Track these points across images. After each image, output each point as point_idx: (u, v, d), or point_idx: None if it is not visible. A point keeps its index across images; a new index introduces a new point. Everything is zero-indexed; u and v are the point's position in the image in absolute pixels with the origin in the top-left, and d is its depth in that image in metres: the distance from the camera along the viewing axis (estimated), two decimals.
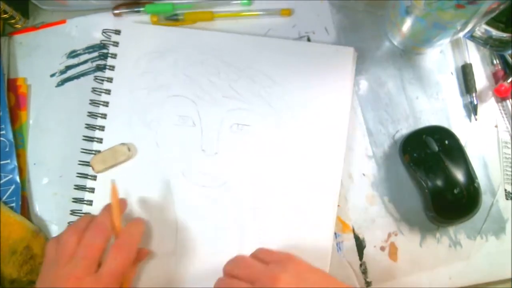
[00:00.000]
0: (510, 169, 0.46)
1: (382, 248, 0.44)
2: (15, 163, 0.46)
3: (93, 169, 0.44)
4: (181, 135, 0.45)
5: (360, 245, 0.44)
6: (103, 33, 0.47)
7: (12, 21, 0.49)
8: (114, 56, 0.47)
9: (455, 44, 0.49)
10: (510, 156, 0.46)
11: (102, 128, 0.45)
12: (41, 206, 0.46)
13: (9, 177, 0.45)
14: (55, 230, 0.45)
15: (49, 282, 0.34)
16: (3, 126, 0.46)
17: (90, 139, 0.45)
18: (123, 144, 0.44)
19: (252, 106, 0.45)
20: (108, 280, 0.34)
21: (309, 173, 0.44)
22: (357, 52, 0.47)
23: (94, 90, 0.46)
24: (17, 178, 0.45)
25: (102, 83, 0.46)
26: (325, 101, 0.45)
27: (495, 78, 0.48)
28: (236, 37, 0.47)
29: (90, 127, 0.45)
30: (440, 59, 0.49)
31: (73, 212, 0.44)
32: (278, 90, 0.45)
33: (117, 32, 0.47)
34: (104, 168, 0.44)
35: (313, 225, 0.43)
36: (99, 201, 0.44)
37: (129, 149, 0.44)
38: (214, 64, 0.46)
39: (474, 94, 0.47)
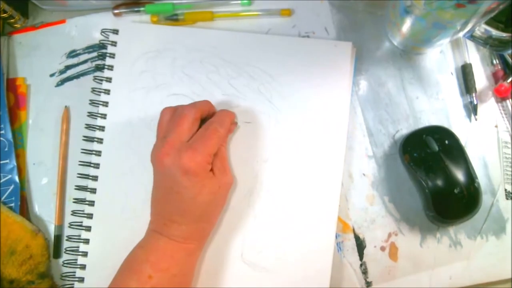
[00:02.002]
0: (510, 169, 0.46)
1: (382, 248, 0.44)
2: (14, 163, 0.46)
3: None
4: None
5: (360, 245, 0.44)
6: (102, 33, 0.47)
7: (12, 20, 0.49)
8: (112, 56, 0.47)
9: (455, 44, 0.49)
10: (510, 156, 0.46)
11: (102, 128, 0.45)
12: (40, 206, 0.46)
13: (8, 177, 0.45)
14: (54, 230, 0.45)
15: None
16: (2, 126, 0.46)
17: (90, 139, 0.45)
18: None
19: (252, 102, 0.45)
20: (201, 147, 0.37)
21: (310, 172, 0.44)
22: (355, 48, 0.47)
23: (93, 90, 0.46)
24: (16, 178, 0.45)
25: (101, 83, 0.46)
26: (324, 96, 0.45)
27: (495, 78, 0.48)
28: (234, 35, 0.47)
29: (90, 127, 0.45)
30: (440, 59, 0.49)
31: (74, 213, 0.44)
32: (278, 86, 0.45)
33: (115, 31, 0.47)
34: None
35: (315, 225, 0.43)
36: (101, 201, 0.44)
37: None
38: (213, 62, 0.46)
39: (474, 94, 0.47)
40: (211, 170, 0.39)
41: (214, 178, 0.38)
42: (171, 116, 0.39)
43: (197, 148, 0.37)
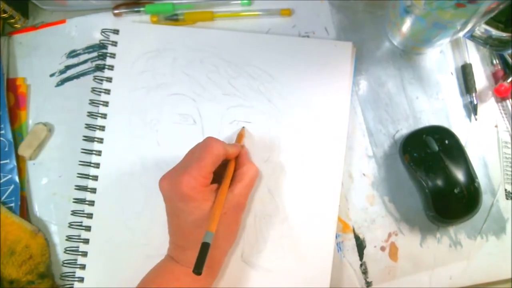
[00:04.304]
0: (510, 169, 0.46)
1: (383, 248, 0.44)
2: (14, 163, 0.46)
3: (24, 158, 0.46)
4: (182, 133, 0.44)
5: (360, 245, 0.44)
6: (102, 33, 0.47)
7: (12, 20, 0.49)
8: (113, 55, 0.47)
9: (455, 44, 0.49)
10: (510, 156, 0.46)
11: (102, 128, 0.45)
12: (40, 206, 0.46)
13: (8, 177, 0.45)
14: (54, 230, 0.45)
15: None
16: (2, 126, 0.46)
17: (90, 139, 0.45)
18: (37, 123, 0.46)
19: (252, 102, 0.45)
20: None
21: (310, 172, 0.44)
22: (355, 48, 0.47)
23: (93, 90, 0.46)
24: (16, 178, 0.45)
25: (101, 83, 0.46)
26: (324, 96, 0.45)
27: (495, 78, 0.48)
28: (234, 35, 0.47)
29: (90, 127, 0.45)
30: (440, 59, 0.49)
31: (74, 213, 0.44)
32: (278, 85, 0.45)
33: (116, 31, 0.47)
34: (32, 151, 0.45)
35: (315, 225, 0.43)
36: (101, 201, 0.44)
37: (44, 124, 0.46)
38: (213, 61, 0.46)
39: (474, 94, 0.47)
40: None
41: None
42: (195, 148, 0.39)
43: (190, 172, 0.35)
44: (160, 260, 0.38)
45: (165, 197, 0.37)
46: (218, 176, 0.38)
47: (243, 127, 0.44)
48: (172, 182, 0.36)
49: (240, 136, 0.43)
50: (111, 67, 0.46)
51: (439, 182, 0.42)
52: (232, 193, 0.38)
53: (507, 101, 0.47)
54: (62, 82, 0.48)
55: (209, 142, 0.38)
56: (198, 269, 0.31)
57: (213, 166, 0.37)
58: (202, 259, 0.32)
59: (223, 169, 0.39)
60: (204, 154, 0.36)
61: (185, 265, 0.36)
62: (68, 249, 0.44)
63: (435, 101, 0.48)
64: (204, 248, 0.32)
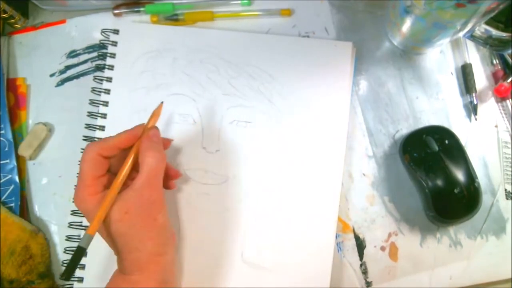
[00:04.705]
0: (510, 169, 0.46)
1: (383, 248, 0.44)
2: (14, 163, 0.46)
3: (24, 158, 0.46)
4: (182, 133, 0.44)
5: (360, 245, 0.44)
6: (102, 33, 0.47)
7: (12, 20, 0.49)
8: (113, 55, 0.47)
9: (455, 44, 0.49)
10: (510, 156, 0.46)
11: (102, 128, 0.45)
12: (40, 206, 0.46)
13: (8, 177, 0.45)
14: (54, 230, 0.45)
15: None
16: (2, 126, 0.46)
17: (90, 139, 0.45)
18: (37, 123, 0.47)
19: (252, 102, 0.45)
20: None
21: (310, 172, 0.44)
22: (355, 48, 0.47)
23: (93, 90, 0.46)
24: (16, 178, 0.45)
25: (101, 83, 0.46)
26: (324, 96, 0.45)
27: (495, 78, 0.48)
28: (234, 35, 0.47)
29: (90, 127, 0.45)
30: (440, 59, 0.49)
31: (74, 213, 0.44)
32: (278, 85, 0.45)
33: (116, 31, 0.47)
34: (32, 151, 0.45)
35: (315, 225, 0.43)
36: None
37: (44, 124, 0.46)
38: (213, 61, 0.46)
39: (474, 94, 0.47)
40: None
41: (116, 203, 0.33)
42: None
43: (78, 186, 0.34)
44: None
45: None
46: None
47: (162, 102, 0.39)
48: (75, 200, 0.34)
49: (154, 114, 0.37)
50: (111, 67, 0.46)
51: (439, 182, 0.42)
52: (132, 189, 0.33)
53: (507, 101, 0.47)
54: (62, 82, 0.48)
55: (84, 149, 0.35)
56: (65, 274, 0.30)
57: (94, 172, 0.34)
58: (72, 264, 0.30)
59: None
60: (80, 164, 0.34)
61: (124, 272, 0.34)
62: (68, 249, 0.44)
63: (435, 101, 0.48)
64: (77, 252, 0.31)
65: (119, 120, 0.45)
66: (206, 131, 0.45)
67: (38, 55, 0.49)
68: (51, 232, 0.45)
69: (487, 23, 0.42)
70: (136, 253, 0.34)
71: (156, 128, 0.37)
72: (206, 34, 0.47)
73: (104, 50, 0.47)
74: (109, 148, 0.35)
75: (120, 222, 0.33)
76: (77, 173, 0.35)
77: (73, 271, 0.30)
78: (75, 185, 0.44)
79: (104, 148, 0.35)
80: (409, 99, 0.48)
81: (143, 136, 0.35)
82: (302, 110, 0.45)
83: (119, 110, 0.45)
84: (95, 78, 0.47)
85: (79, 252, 0.31)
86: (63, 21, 0.50)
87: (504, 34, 0.42)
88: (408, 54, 0.48)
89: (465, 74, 0.47)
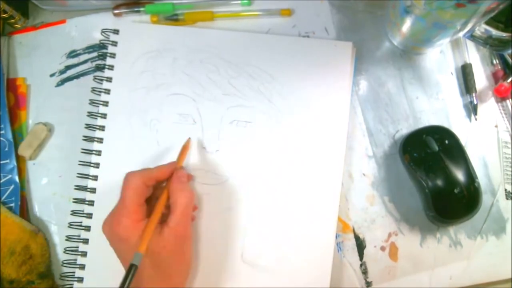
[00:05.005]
0: (510, 169, 0.46)
1: (383, 248, 0.44)
2: (14, 163, 0.46)
3: (24, 158, 0.46)
4: (182, 133, 0.44)
5: (360, 245, 0.44)
6: (102, 33, 0.47)
7: (12, 20, 0.49)
8: (113, 55, 0.47)
9: (455, 44, 0.49)
10: (510, 156, 0.46)
11: (102, 128, 0.45)
12: (40, 206, 0.46)
13: (8, 177, 0.45)
14: (54, 230, 0.45)
15: None
16: (2, 126, 0.46)
17: (90, 139, 0.45)
18: (37, 123, 0.47)
19: (252, 102, 0.45)
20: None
21: (310, 172, 0.44)
22: (355, 48, 0.47)
23: (93, 90, 0.46)
24: (16, 178, 0.45)
25: (101, 83, 0.46)
26: (324, 96, 0.45)
27: (495, 78, 0.48)
28: (234, 35, 0.47)
29: (90, 127, 0.45)
30: (440, 59, 0.49)
31: (74, 213, 0.44)
32: (278, 85, 0.45)
33: (116, 31, 0.47)
34: (32, 151, 0.45)
35: (315, 225, 0.43)
36: (100, 201, 0.44)
37: (45, 124, 0.46)
38: (213, 61, 0.46)
39: (474, 94, 0.47)
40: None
41: (153, 237, 0.35)
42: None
43: (119, 212, 0.36)
44: None
45: (108, 241, 0.37)
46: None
47: (189, 138, 0.44)
48: (108, 226, 0.36)
49: (184, 149, 0.42)
50: (111, 67, 0.46)
51: (439, 182, 0.42)
52: (168, 227, 0.36)
53: (507, 101, 0.47)
54: (62, 82, 0.48)
55: (126, 177, 0.37)
56: None
57: (138, 200, 0.36)
58: (127, 280, 0.32)
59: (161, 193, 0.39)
60: (124, 192, 0.36)
61: None
62: (68, 249, 0.44)
63: (435, 101, 0.48)
64: (130, 269, 0.32)
65: (119, 120, 0.45)
66: (206, 131, 0.45)
67: (38, 55, 0.49)
68: (51, 232, 0.45)
69: (487, 23, 0.42)
70: (164, 284, 0.36)
71: (183, 168, 0.41)
72: (206, 34, 0.47)
73: (104, 50, 0.47)
74: (152, 178, 0.38)
75: (158, 254, 0.35)
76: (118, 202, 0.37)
77: (128, 286, 0.32)
78: (75, 185, 0.44)
79: (148, 178, 0.38)
80: (409, 99, 0.48)
81: (174, 176, 0.39)
82: (302, 110, 0.45)
83: (119, 110, 0.45)
84: (95, 78, 0.47)
85: (131, 269, 0.33)
86: (63, 21, 0.50)
87: (504, 34, 0.42)
88: (408, 54, 0.48)
89: (465, 74, 0.47)
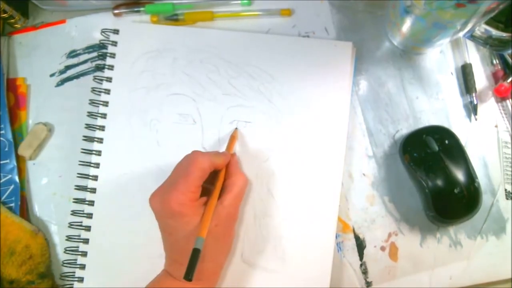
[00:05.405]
0: (510, 169, 0.46)
1: (383, 248, 0.44)
2: (14, 163, 0.46)
3: (24, 158, 0.46)
4: (182, 133, 0.45)
5: (360, 245, 0.44)
6: (102, 33, 0.47)
7: (12, 20, 0.49)
8: (113, 55, 0.47)
9: (455, 44, 0.49)
10: (510, 156, 0.46)
11: (102, 128, 0.45)
12: (40, 206, 0.46)
13: (8, 177, 0.45)
14: (54, 230, 0.45)
15: None
16: (2, 126, 0.46)
17: (90, 139, 0.45)
18: (37, 123, 0.47)
19: (252, 102, 0.45)
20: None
21: (310, 172, 0.44)
22: (355, 48, 0.47)
23: (93, 90, 0.46)
24: (16, 178, 0.45)
25: (101, 83, 0.46)
26: (324, 96, 0.45)
27: (495, 78, 0.48)
28: (234, 35, 0.47)
29: (90, 127, 0.45)
30: (440, 59, 0.49)
31: (74, 213, 0.44)
32: (278, 86, 0.45)
33: (116, 31, 0.47)
34: (32, 151, 0.45)
35: (315, 225, 0.43)
36: (100, 201, 0.44)
37: (45, 124, 0.46)
38: (213, 61, 0.46)
39: (474, 94, 0.47)
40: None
41: None
42: (182, 162, 0.38)
43: (178, 188, 0.36)
44: (158, 274, 0.38)
45: (156, 214, 0.37)
46: (206, 188, 0.38)
47: (236, 128, 0.44)
48: (161, 200, 0.36)
49: (232, 139, 0.43)
50: (111, 67, 0.46)
51: (439, 182, 0.42)
52: (222, 205, 0.37)
53: (507, 101, 0.47)
54: (62, 82, 0.48)
55: (195, 156, 0.37)
56: (188, 275, 0.32)
57: (201, 180, 0.37)
58: (193, 265, 0.32)
59: (212, 179, 0.39)
60: (191, 168, 0.36)
61: (182, 280, 0.35)
62: (68, 249, 0.44)
63: (435, 101, 0.48)
64: (195, 254, 0.33)
65: (119, 120, 0.45)
66: (206, 131, 0.45)
67: (38, 55, 0.49)
68: (51, 232, 0.45)
69: (487, 23, 0.42)
70: (209, 263, 0.37)
71: (235, 153, 0.43)
72: (206, 34, 0.47)
73: (104, 50, 0.47)
74: (215, 164, 0.38)
75: (209, 233, 0.35)
76: (174, 177, 0.38)
77: (194, 270, 0.32)
78: (75, 185, 0.44)
79: (213, 162, 0.38)
80: (409, 99, 0.48)
81: (232, 160, 0.41)
82: (302, 110, 0.45)
83: (119, 110, 0.45)
84: (95, 78, 0.47)
85: (196, 253, 0.33)
86: (63, 21, 0.50)
87: (504, 34, 0.42)
88: (408, 54, 0.48)
89: (465, 74, 0.47)
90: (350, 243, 0.44)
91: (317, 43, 0.47)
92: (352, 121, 0.46)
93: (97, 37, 0.48)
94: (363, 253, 0.44)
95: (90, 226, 0.43)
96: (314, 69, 0.45)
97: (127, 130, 0.45)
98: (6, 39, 0.49)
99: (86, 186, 0.44)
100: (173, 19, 0.49)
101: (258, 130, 0.45)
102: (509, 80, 0.47)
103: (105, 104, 0.46)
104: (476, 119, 0.47)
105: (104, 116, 0.45)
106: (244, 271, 0.42)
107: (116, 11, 0.48)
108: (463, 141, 0.45)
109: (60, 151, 0.47)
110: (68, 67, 0.48)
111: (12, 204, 0.45)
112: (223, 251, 0.39)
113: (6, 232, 0.43)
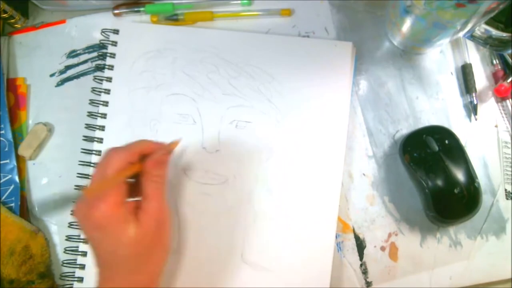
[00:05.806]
0: (510, 169, 0.46)
1: (383, 248, 0.44)
2: (14, 163, 0.46)
3: (24, 158, 0.46)
4: (182, 133, 0.44)
5: (360, 245, 0.44)
6: (102, 33, 0.47)
7: (12, 20, 0.49)
8: (113, 55, 0.47)
9: (455, 44, 0.49)
10: (510, 156, 0.46)
11: (102, 128, 0.45)
12: (40, 206, 0.46)
13: (8, 177, 0.45)
14: (54, 230, 0.45)
15: None
16: (2, 126, 0.46)
17: (90, 139, 0.45)
18: (37, 123, 0.47)
19: (252, 102, 0.45)
20: None
21: (310, 172, 0.44)
22: (355, 47, 0.47)
23: (93, 90, 0.46)
24: (16, 178, 0.45)
25: (101, 83, 0.46)
26: (324, 96, 0.45)
27: (495, 78, 0.48)
28: (234, 35, 0.47)
29: (90, 127, 0.45)
30: (440, 59, 0.49)
31: (73, 213, 0.44)
32: (278, 86, 0.45)
33: (116, 31, 0.47)
34: (32, 151, 0.45)
35: (315, 225, 0.43)
36: None
37: (45, 124, 0.46)
38: (213, 61, 0.46)
39: (474, 94, 0.47)
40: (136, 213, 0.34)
41: (133, 225, 0.32)
42: (98, 165, 0.34)
43: (99, 196, 0.31)
44: None
45: (81, 227, 0.33)
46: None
47: (181, 138, 0.38)
48: (83, 212, 0.32)
49: (173, 144, 0.38)
50: (111, 67, 0.46)
51: (439, 182, 0.42)
52: (145, 213, 0.33)
53: (507, 101, 0.47)
54: (62, 82, 0.48)
55: (109, 156, 0.33)
56: None
57: (121, 180, 0.33)
58: None
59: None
60: (108, 171, 0.33)
61: None
62: (68, 249, 0.44)
63: (435, 101, 0.48)
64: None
65: (119, 120, 0.45)
66: (206, 131, 0.45)
67: (38, 55, 0.49)
68: (51, 232, 0.45)
69: (487, 23, 0.42)
70: (138, 276, 0.34)
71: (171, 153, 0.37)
72: (206, 34, 0.47)
73: (104, 50, 0.47)
74: (135, 153, 0.35)
75: (138, 243, 0.33)
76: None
77: None
78: (75, 185, 0.44)
79: (132, 153, 0.34)
80: (409, 99, 0.48)
81: (152, 161, 0.35)
82: (302, 110, 0.45)
83: (119, 110, 0.45)
84: (95, 78, 0.47)
85: None
86: (63, 21, 0.50)
87: (504, 34, 0.42)
88: (408, 54, 0.48)
89: (465, 74, 0.47)
90: (350, 243, 0.44)
91: (317, 43, 0.47)
92: (352, 121, 0.46)
93: (97, 37, 0.48)
94: (363, 253, 0.44)
95: None
96: (314, 69, 0.45)
97: (127, 130, 0.45)
98: (6, 39, 0.49)
99: (86, 186, 0.44)
100: (173, 19, 0.49)
101: (258, 130, 0.45)
102: (509, 80, 0.47)
103: (105, 104, 0.46)
104: (476, 119, 0.47)
105: (104, 116, 0.45)
106: (244, 271, 0.42)
107: (116, 11, 0.48)
108: (463, 141, 0.45)
109: (60, 151, 0.47)
110: (68, 67, 0.48)
111: (12, 204, 0.45)
112: (154, 262, 0.35)
113: (6, 232, 0.43)
